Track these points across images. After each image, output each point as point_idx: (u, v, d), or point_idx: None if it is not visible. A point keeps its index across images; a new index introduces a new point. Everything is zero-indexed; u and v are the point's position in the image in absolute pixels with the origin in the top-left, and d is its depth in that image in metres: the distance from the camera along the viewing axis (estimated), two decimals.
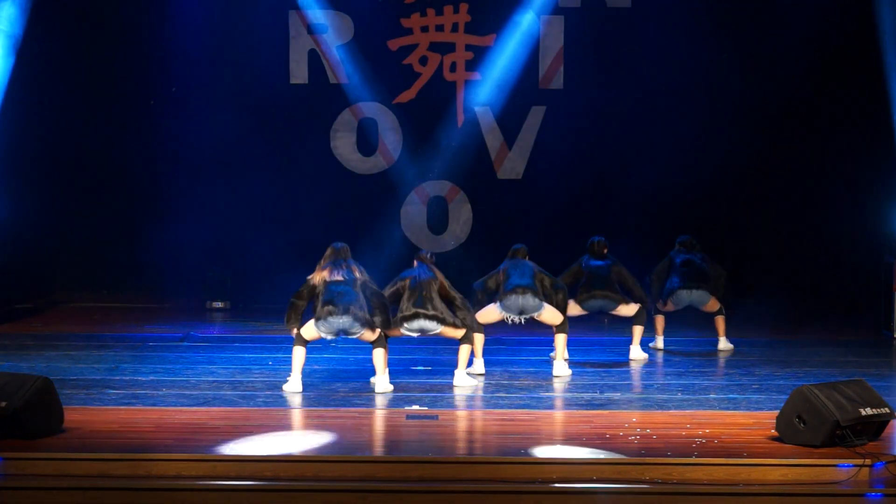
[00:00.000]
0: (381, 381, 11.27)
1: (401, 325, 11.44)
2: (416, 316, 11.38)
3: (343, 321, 11.00)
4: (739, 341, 13.82)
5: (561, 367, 12.12)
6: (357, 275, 11.17)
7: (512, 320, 12.12)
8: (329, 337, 11.18)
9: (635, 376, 12.25)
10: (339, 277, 11.12)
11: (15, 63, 16.80)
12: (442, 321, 11.41)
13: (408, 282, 11.52)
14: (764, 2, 16.99)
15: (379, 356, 11.23)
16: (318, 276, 11.20)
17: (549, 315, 12.13)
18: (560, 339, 12.18)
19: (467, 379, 11.61)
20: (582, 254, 13.12)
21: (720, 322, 13.55)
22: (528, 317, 12.08)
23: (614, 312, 13.03)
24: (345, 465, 8.81)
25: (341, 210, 17.15)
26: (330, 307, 10.98)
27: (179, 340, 14.03)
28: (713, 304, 13.44)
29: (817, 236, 17.05)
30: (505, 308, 12.03)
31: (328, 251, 11.34)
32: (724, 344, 13.58)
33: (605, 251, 13.06)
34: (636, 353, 13.03)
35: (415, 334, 11.57)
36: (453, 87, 17.36)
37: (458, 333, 11.50)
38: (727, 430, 9.71)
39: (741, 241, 16.93)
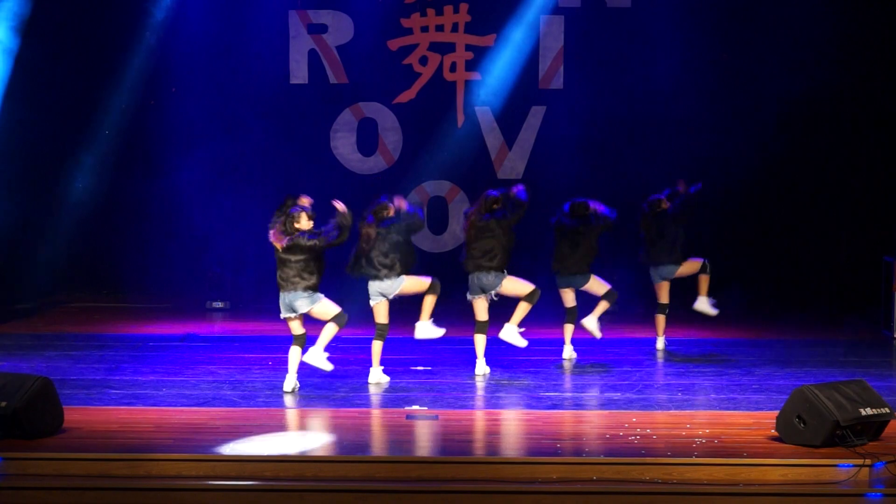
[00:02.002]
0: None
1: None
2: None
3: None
4: (739, 341, 13.81)
5: (509, 334, 12.05)
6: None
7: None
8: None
9: (635, 376, 12.23)
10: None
11: (14, 64, 16.83)
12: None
13: None
14: (764, 1, 16.98)
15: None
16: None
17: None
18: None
19: (431, 329, 11.73)
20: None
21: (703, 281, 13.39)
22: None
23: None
24: (345, 465, 8.82)
25: None
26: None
27: (179, 340, 14.02)
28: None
29: (818, 236, 17.04)
30: None
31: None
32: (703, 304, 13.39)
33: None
34: (591, 324, 12.81)
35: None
36: (453, 87, 17.35)
37: None
38: (727, 430, 9.71)
39: (741, 240, 16.92)
